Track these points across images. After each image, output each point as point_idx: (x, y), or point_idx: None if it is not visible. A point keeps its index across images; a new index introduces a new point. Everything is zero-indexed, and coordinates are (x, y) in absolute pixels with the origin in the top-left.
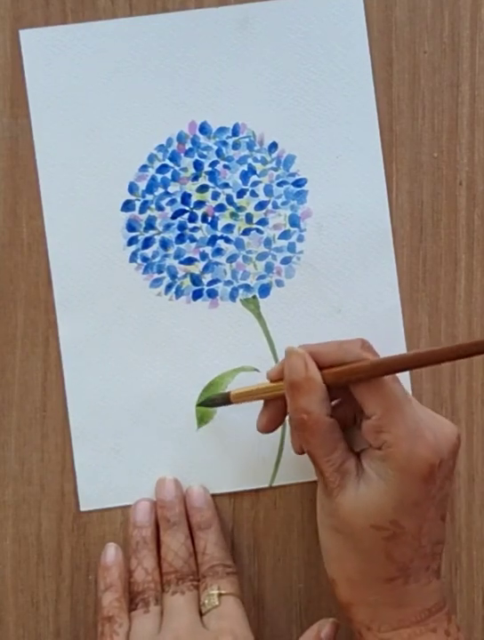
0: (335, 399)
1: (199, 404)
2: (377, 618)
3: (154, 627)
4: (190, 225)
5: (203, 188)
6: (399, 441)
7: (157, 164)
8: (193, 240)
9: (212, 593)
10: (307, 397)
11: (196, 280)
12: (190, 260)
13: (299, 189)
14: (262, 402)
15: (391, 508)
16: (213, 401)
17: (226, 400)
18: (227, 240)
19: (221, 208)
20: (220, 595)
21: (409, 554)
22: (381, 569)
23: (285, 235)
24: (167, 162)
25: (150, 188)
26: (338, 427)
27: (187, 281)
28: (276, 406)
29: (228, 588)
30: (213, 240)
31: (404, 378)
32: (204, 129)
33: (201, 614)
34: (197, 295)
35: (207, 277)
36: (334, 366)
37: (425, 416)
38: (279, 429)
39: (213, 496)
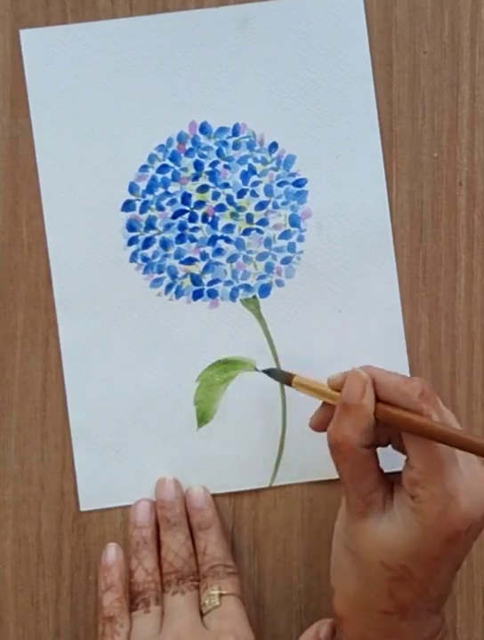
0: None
1: (265, 370)
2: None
3: (155, 627)
4: (191, 225)
5: (203, 188)
6: (432, 501)
7: (157, 164)
8: (193, 240)
9: (212, 593)
10: (351, 423)
11: (196, 280)
12: (191, 260)
13: (299, 189)
14: (276, 405)
15: (404, 555)
16: (273, 373)
17: (286, 381)
18: (227, 240)
19: (221, 208)
20: (220, 595)
21: (412, 597)
22: (379, 601)
23: (285, 235)
24: (168, 162)
25: (151, 188)
26: (374, 457)
27: (187, 281)
28: (332, 411)
29: (228, 588)
30: (213, 240)
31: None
32: (204, 129)
33: (202, 614)
34: (197, 295)
35: (207, 277)
36: (390, 402)
37: (470, 476)
38: (279, 430)
39: (213, 496)
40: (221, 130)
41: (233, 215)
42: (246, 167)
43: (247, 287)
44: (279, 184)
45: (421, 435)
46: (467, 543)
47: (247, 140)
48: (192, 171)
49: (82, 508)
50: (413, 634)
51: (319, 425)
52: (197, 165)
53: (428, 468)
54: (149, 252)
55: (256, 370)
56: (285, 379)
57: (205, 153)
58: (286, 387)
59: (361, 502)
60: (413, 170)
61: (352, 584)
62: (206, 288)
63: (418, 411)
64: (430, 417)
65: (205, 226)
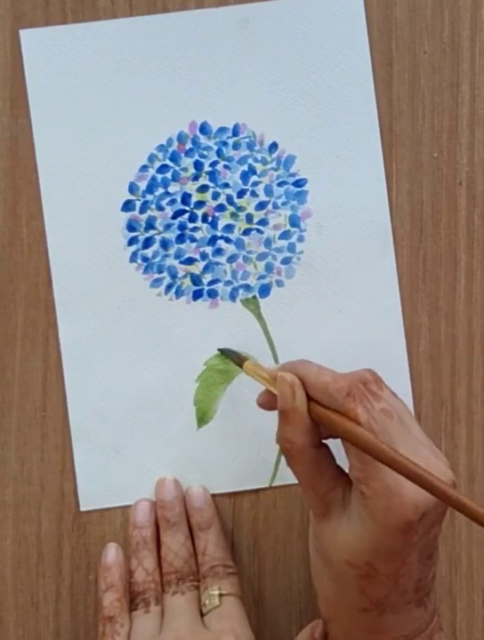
0: None
1: (220, 349)
2: (351, 638)
3: (155, 627)
4: (191, 225)
5: (203, 188)
6: (375, 496)
7: (157, 164)
8: (193, 240)
9: (212, 593)
10: (291, 427)
11: (196, 280)
12: (191, 260)
13: (299, 189)
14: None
15: (365, 551)
16: (231, 353)
17: (239, 363)
18: (227, 240)
19: (221, 208)
20: (220, 595)
21: (384, 591)
22: (354, 600)
23: (285, 235)
24: (168, 162)
25: (151, 188)
26: (326, 456)
27: (187, 281)
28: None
29: (228, 588)
30: (213, 240)
31: (404, 379)
32: (204, 129)
33: (202, 614)
34: (197, 295)
35: (207, 277)
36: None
37: (417, 461)
38: None
39: (213, 496)
40: (222, 130)
41: (233, 215)
42: (246, 167)
43: (247, 287)
44: (279, 184)
45: (345, 439)
46: (427, 530)
47: (247, 140)
48: (192, 171)
49: (82, 508)
50: (396, 628)
51: (265, 404)
52: (197, 165)
53: (365, 465)
54: (149, 252)
55: (219, 350)
56: (238, 361)
57: (205, 153)
58: None
59: (321, 503)
60: (413, 170)
61: (328, 586)
62: (206, 288)
63: (344, 411)
64: (356, 416)
65: (205, 226)
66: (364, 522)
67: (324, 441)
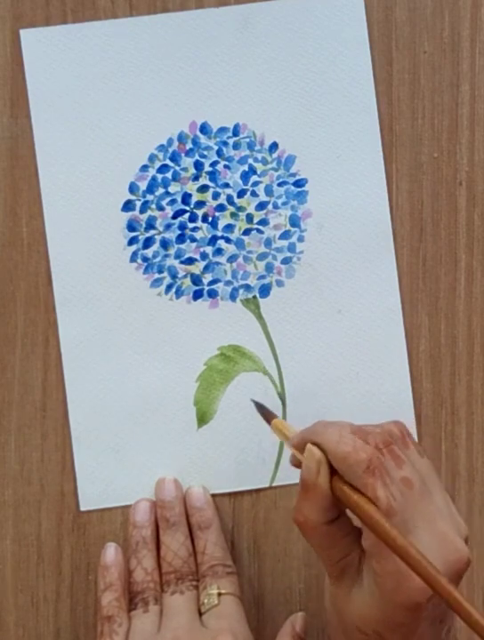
0: None
1: (253, 401)
2: None
3: (153, 626)
4: (191, 225)
5: (203, 188)
6: (386, 575)
7: (157, 164)
8: (193, 240)
9: (211, 592)
10: (309, 503)
11: (196, 280)
12: (191, 260)
13: (299, 189)
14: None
15: (374, 621)
16: (262, 408)
17: (267, 419)
18: (227, 240)
19: (221, 208)
20: (219, 594)
21: None
22: None
23: (285, 235)
24: (168, 162)
25: (151, 188)
26: (342, 526)
27: (187, 281)
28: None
29: (227, 587)
30: (213, 240)
31: (404, 379)
32: (204, 129)
33: (200, 614)
34: (197, 295)
35: (208, 277)
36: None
37: (432, 540)
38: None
39: (213, 496)
40: (222, 130)
41: (233, 215)
42: (246, 167)
43: (247, 287)
44: (280, 184)
45: (360, 519)
46: (438, 604)
47: (248, 140)
48: (192, 171)
49: (82, 508)
50: None
51: (298, 465)
52: (198, 165)
53: (377, 543)
54: (149, 252)
55: (256, 371)
56: (266, 417)
57: (205, 153)
58: (285, 386)
59: (335, 568)
60: (413, 170)
61: (338, 639)
62: (206, 288)
63: (362, 488)
64: (374, 491)
65: (205, 226)
66: (373, 595)
67: None
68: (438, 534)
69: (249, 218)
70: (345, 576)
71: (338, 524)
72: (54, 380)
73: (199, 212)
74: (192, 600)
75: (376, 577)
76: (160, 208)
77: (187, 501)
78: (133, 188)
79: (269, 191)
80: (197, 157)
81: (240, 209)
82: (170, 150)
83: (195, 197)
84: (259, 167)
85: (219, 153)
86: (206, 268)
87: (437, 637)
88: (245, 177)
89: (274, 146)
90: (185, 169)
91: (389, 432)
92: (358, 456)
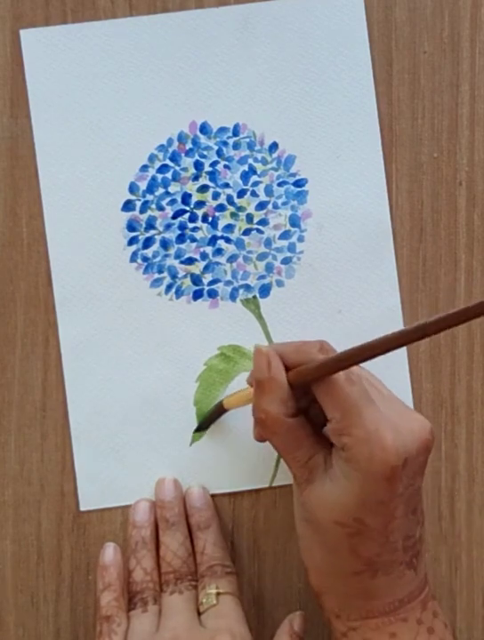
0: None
1: (196, 430)
2: (346, 607)
3: (152, 626)
4: (191, 225)
5: (203, 188)
6: (358, 444)
7: (157, 164)
8: (193, 240)
9: (210, 592)
10: (267, 397)
11: (196, 280)
12: (191, 260)
13: (299, 189)
14: None
15: (354, 507)
16: (209, 419)
17: (220, 409)
18: (227, 240)
19: (221, 208)
20: (218, 594)
21: (376, 549)
22: (346, 563)
23: (285, 235)
24: (168, 162)
25: (151, 188)
26: (303, 425)
27: (187, 281)
28: None
29: (226, 587)
30: (213, 240)
31: (403, 379)
32: (204, 129)
33: (199, 613)
34: (197, 295)
35: (208, 277)
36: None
37: (392, 413)
38: None
39: (213, 496)
40: (222, 130)
41: (233, 215)
42: (246, 167)
43: (247, 287)
44: (280, 184)
45: (319, 375)
46: (411, 479)
47: (248, 140)
48: (192, 171)
49: (82, 508)
50: (390, 591)
51: (258, 437)
52: (198, 165)
53: (344, 415)
54: (149, 252)
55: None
56: (219, 410)
57: (205, 153)
58: None
59: (304, 470)
60: (413, 170)
61: (318, 554)
62: (206, 288)
63: (320, 366)
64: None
65: (205, 226)
66: (349, 476)
67: None
68: (399, 411)
69: (249, 218)
70: (315, 476)
71: (301, 420)
72: (54, 380)
73: (199, 212)
74: (191, 600)
75: (349, 452)
76: (160, 208)
77: (186, 501)
78: (132, 188)
79: (269, 191)
80: (197, 157)
81: (240, 209)
82: (170, 150)
83: (195, 197)
84: (259, 167)
85: (219, 153)
86: (206, 268)
87: (412, 533)
88: (245, 177)
89: (274, 146)
90: (185, 169)
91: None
92: (310, 343)
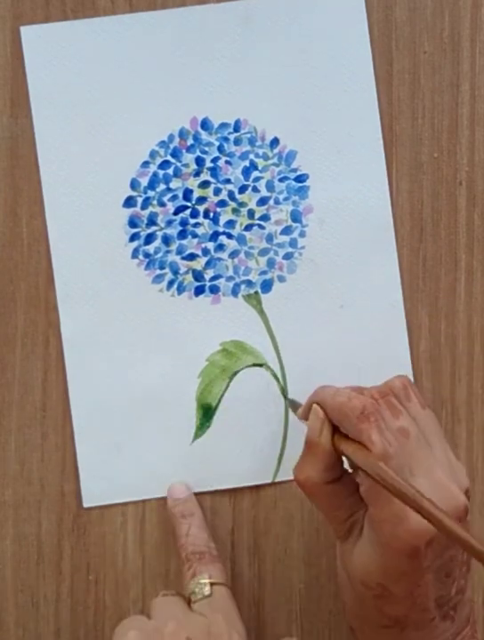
0: None
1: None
2: None
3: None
4: (192, 221)
5: (205, 184)
6: (383, 521)
7: (158, 160)
8: (195, 236)
9: (202, 582)
10: (311, 462)
11: (198, 276)
12: (192, 256)
13: (301, 185)
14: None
15: (376, 573)
16: (293, 403)
17: (295, 410)
18: (229, 236)
19: (222, 204)
20: (211, 584)
21: (402, 611)
22: (375, 617)
23: (286, 230)
24: (169, 158)
25: (152, 184)
26: (345, 486)
27: (189, 277)
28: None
29: (218, 576)
30: (215, 236)
31: (406, 374)
32: (205, 125)
33: (190, 602)
34: (199, 291)
35: (209, 273)
36: (338, 425)
37: (430, 486)
38: (281, 425)
39: (215, 492)
40: (223, 125)
41: (235, 211)
42: (247, 163)
43: (249, 283)
44: (281, 180)
45: (358, 464)
46: (440, 553)
47: (249, 135)
48: (194, 166)
49: (85, 505)
50: None
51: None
52: (199, 161)
53: (375, 487)
54: (150, 248)
55: (259, 365)
56: (293, 407)
57: (206, 149)
58: (287, 381)
59: (342, 526)
60: (413, 170)
61: (350, 600)
62: (208, 284)
63: (358, 435)
64: (369, 437)
65: (206, 222)
66: (373, 543)
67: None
68: (434, 482)
69: (250, 213)
70: (352, 534)
71: (341, 483)
72: (54, 379)
73: (201, 208)
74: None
75: (374, 524)
76: (161, 204)
77: (169, 496)
78: (134, 185)
79: (270, 187)
80: (198, 153)
81: (242, 205)
82: (171, 146)
83: (196, 193)
84: (260, 163)
85: (220, 149)
86: (208, 264)
87: (445, 593)
88: (246, 173)
89: (275, 141)
90: (186, 165)
91: (388, 385)
92: (352, 403)
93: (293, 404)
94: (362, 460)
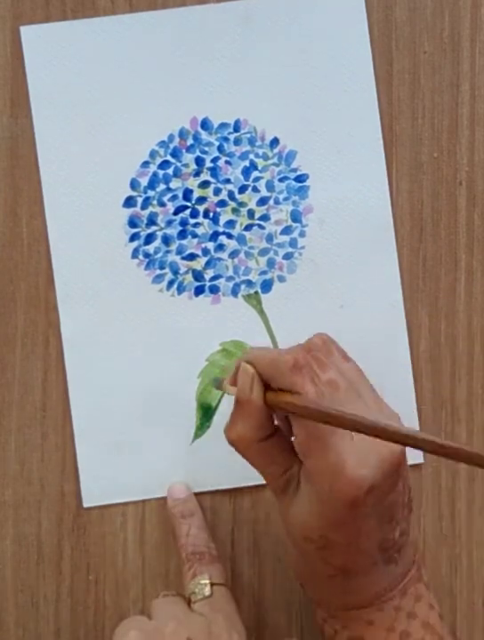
0: None
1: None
2: (325, 599)
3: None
4: (192, 221)
5: (205, 184)
6: (319, 473)
7: (158, 160)
8: (195, 236)
9: (202, 582)
10: (243, 420)
11: (198, 276)
12: (192, 256)
13: (300, 185)
14: None
15: (318, 525)
16: (217, 382)
17: (217, 386)
18: (229, 236)
19: (222, 204)
20: (211, 584)
21: (346, 559)
22: (319, 569)
23: (286, 230)
24: (169, 158)
25: (152, 184)
26: (278, 441)
27: (189, 277)
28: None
29: (218, 577)
30: (214, 236)
31: (406, 373)
32: (205, 125)
33: (190, 602)
34: (199, 291)
35: (209, 273)
36: (269, 380)
37: (361, 438)
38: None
39: (215, 493)
40: (223, 125)
41: (235, 211)
42: (247, 163)
43: (249, 283)
44: (281, 179)
45: (296, 414)
46: (379, 499)
47: (248, 135)
48: (193, 166)
49: (85, 505)
50: (367, 587)
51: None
52: (199, 161)
53: (307, 438)
54: (150, 248)
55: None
56: (218, 385)
57: (206, 149)
58: None
59: (277, 483)
60: (413, 170)
61: (294, 556)
62: (208, 284)
63: (292, 387)
64: (303, 387)
65: (206, 222)
66: (311, 496)
67: None
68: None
69: (250, 213)
70: (288, 490)
71: (274, 439)
72: (54, 379)
73: (201, 208)
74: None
75: (311, 477)
76: (161, 204)
77: (169, 496)
78: (134, 185)
79: (270, 187)
80: (198, 153)
81: (241, 205)
82: (171, 146)
83: (196, 193)
84: (260, 163)
85: (220, 149)
86: (208, 264)
87: (389, 536)
88: (246, 172)
89: (275, 141)
90: (186, 165)
91: (310, 342)
92: (284, 357)
93: (216, 382)
94: (299, 405)
